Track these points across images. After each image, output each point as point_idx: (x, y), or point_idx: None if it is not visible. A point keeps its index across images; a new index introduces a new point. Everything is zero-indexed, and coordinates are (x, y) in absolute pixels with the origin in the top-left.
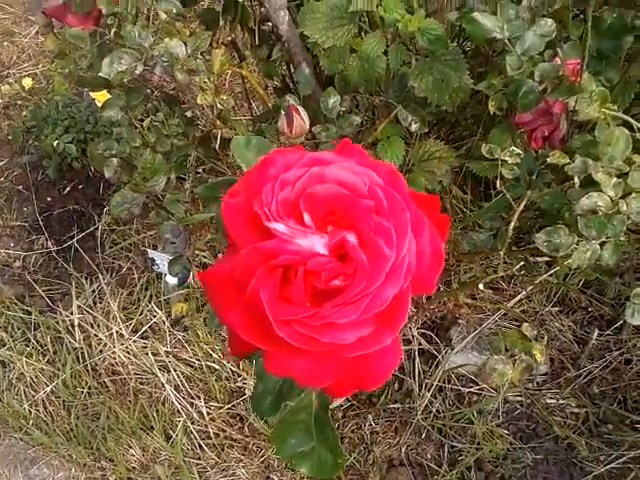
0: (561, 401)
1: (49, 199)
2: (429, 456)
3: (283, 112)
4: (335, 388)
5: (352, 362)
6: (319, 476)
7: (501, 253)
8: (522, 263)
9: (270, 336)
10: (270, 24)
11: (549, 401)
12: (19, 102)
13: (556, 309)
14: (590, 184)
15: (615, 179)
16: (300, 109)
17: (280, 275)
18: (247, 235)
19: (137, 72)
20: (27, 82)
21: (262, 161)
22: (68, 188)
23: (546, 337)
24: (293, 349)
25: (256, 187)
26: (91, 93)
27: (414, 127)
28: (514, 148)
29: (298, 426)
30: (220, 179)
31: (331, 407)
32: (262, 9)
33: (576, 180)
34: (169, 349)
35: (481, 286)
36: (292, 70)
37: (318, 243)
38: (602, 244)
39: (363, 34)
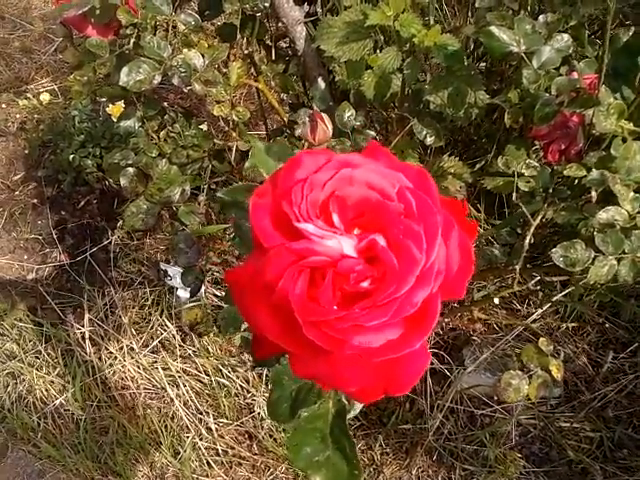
0: (575, 425)
1: (63, 213)
2: (440, 478)
3: (307, 119)
4: (362, 392)
5: (380, 366)
6: None
7: (517, 267)
8: (538, 278)
9: (298, 338)
10: (287, 39)
11: (563, 424)
12: (36, 116)
13: (570, 332)
14: (607, 199)
15: (633, 193)
16: (324, 116)
17: (309, 276)
18: (275, 236)
19: (155, 82)
20: (44, 97)
21: (290, 162)
22: (82, 202)
23: (561, 359)
24: (320, 351)
25: (284, 188)
26: (107, 109)
27: (429, 140)
28: (530, 160)
29: (314, 434)
30: (242, 184)
31: (348, 417)
32: (279, 24)
33: (593, 194)
34: (179, 364)
35: (496, 300)
36: (307, 86)
37: (347, 245)
38: (619, 260)
39: (378, 50)
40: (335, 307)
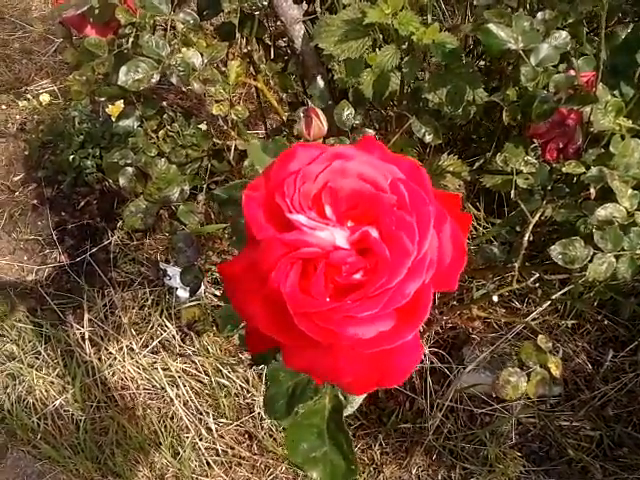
0: (575, 423)
1: (63, 213)
2: (440, 478)
3: (302, 114)
4: (355, 384)
5: (372, 358)
6: None
7: (516, 265)
8: (537, 276)
9: (290, 329)
10: (285, 38)
11: (563, 423)
12: (36, 117)
13: (570, 330)
14: (605, 197)
15: (631, 190)
16: (319, 112)
17: (301, 268)
18: (267, 228)
19: (154, 81)
20: (44, 98)
21: (284, 154)
22: (82, 203)
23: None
24: (313, 343)
25: (278, 180)
26: (107, 109)
27: (428, 138)
28: (529, 157)
29: (311, 430)
30: (239, 181)
31: (345, 414)
32: (278, 23)
33: (592, 191)
34: (179, 364)
35: (495, 298)
36: (306, 85)
37: (340, 236)
38: (618, 257)
39: (377, 49)
40: (328, 299)
